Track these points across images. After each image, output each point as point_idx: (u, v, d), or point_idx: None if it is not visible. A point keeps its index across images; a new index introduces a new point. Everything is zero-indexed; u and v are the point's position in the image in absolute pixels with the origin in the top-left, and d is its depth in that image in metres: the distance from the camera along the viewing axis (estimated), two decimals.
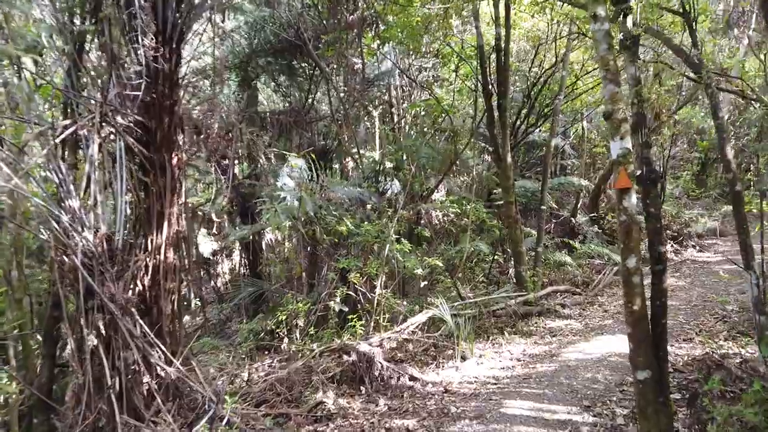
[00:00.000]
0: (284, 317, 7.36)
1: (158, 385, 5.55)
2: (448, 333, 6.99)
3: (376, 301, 6.91)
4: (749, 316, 7.24)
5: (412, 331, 6.98)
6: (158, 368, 5.51)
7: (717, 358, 5.61)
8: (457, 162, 10.81)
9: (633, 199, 3.74)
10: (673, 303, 8.35)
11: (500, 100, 8.17)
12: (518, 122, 11.24)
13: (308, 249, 9.36)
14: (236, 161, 11.51)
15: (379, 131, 10.19)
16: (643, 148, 3.93)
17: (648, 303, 3.89)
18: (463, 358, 6.58)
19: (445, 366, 6.44)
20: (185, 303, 13.85)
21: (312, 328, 7.34)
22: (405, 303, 7.91)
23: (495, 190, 11.46)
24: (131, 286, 5.89)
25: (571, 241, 11.99)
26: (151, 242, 5.91)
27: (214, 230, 13.84)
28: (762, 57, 6.02)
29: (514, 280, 8.92)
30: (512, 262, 9.21)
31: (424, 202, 9.66)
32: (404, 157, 9.06)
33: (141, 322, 5.61)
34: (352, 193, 8.04)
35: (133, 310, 5.58)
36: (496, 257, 10.48)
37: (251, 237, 11.05)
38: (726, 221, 15.41)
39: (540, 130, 13.95)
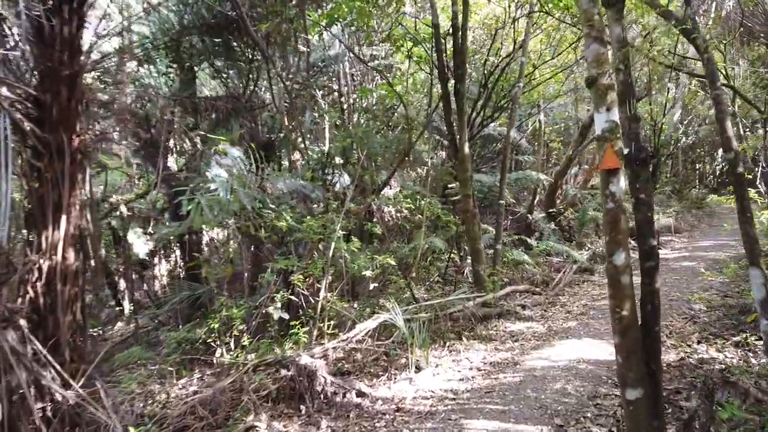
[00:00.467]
0: (217, 325, 6.52)
1: (53, 412, 4.64)
2: (401, 340, 6.29)
3: (320, 306, 6.14)
4: (719, 315, 6.90)
5: (361, 339, 6.24)
6: (53, 392, 4.61)
7: (695, 364, 5.15)
8: (411, 155, 10.16)
9: (622, 183, 3.15)
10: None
11: (457, 84, 7.56)
12: (474, 114, 10.69)
13: (251, 248, 8.50)
14: (170, 152, 10.50)
15: (327, 121, 9.40)
16: (631, 122, 3.32)
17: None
18: (418, 369, 5.89)
19: (398, 378, 5.74)
20: (116, 309, 12.68)
21: (249, 337, 6.53)
22: (355, 307, 7.19)
23: (450, 185, 10.90)
24: (19, 293, 4.94)
25: (527, 239, 11.56)
26: (46, 240, 4.97)
27: (150, 229, 12.65)
28: None
29: (472, 280, 8.34)
30: (469, 261, 8.64)
31: (375, 196, 8.94)
32: (354, 148, 8.32)
33: (31, 336, 4.67)
34: (293, 186, 7.23)
35: (21, 322, 4.64)
36: (452, 255, 9.89)
37: (188, 235, 10.08)
38: (679, 218, 15.44)
39: (496, 124, 13.53)
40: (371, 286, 6.98)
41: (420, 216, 8.89)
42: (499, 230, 8.66)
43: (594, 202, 13.24)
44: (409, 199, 9.75)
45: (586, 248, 12.28)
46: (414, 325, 6.52)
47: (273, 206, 6.30)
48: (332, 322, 6.65)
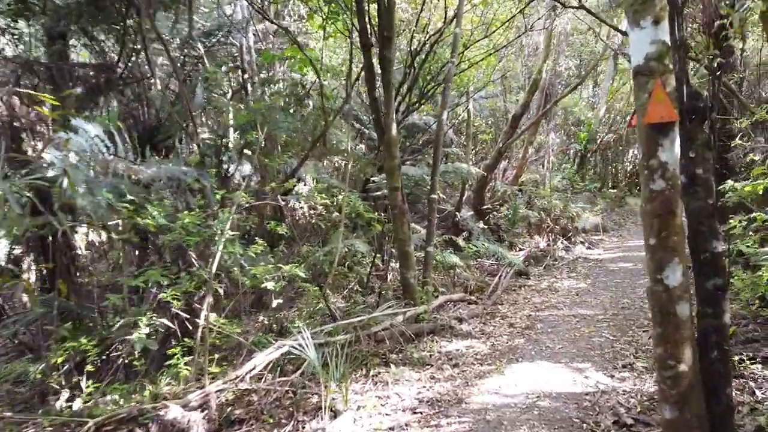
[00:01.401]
0: (61, 359, 4.82)
1: None
2: (312, 371, 4.85)
3: (200, 333, 4.56)
4: None
5: (258, 376, 4.74)
6: None
7: None
8: (327, 141, 8.71)
9: (676, 148, 1.89)
10: (587, 312, 6.99)
11: (383, 51, 6.21)
12: (399, 99, 9.43)
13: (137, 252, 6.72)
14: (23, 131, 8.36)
15: (224, 98, 7.74)
16: (678, 51, 2.07)
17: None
18: (334, 413, 4.47)
19: (308, 427, 4.28)
20: None
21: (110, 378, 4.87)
22: (255, 332, 5.66)
23: (373, 178, 9.56)
24: None
25: (456, 239, 10.44)
26: None
27: None
28: None
29: (400, 289, 7.05)
30: (396, 266, 7.34)
31: (283, 188, 7.41)
32: (258, 129, 6.74)
33: None
34: (172, 173, 5.56)
35: None
36: (376, 259, 8.54)
37: (51, 236, 8.00)
38: (605, 217, 15.08)
39: (423, 114, 12.38)
40: (275, 303, 5.46)
41: (338, 214, 7.46)
42: (432, 229, 7.41)
43: (524, 200, 12.44)
44: (324, 194, 8.34)
45: (518, 249, 11.41)
46: (329, 350, 5.12)
47: (134, 198, 4.61)
48: (221, 354, 5.11)
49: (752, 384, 4.12)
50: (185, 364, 4.54)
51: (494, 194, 12.65)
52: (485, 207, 12.25)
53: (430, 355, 5.84)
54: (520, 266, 9.54)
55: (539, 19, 10.02)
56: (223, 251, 4.86)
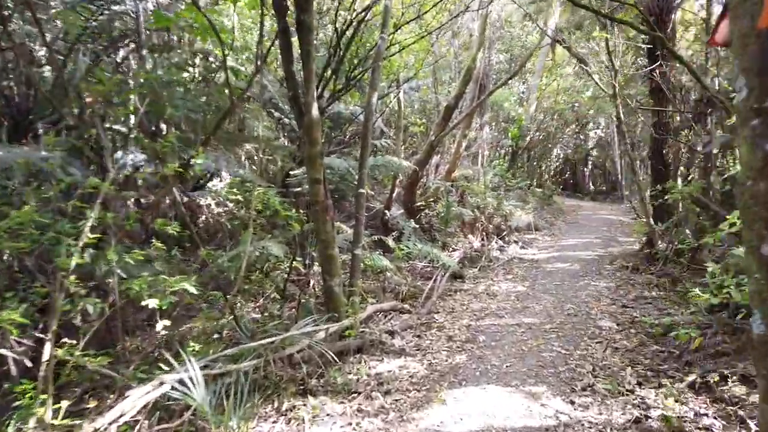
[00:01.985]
0: None
1: None
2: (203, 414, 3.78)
3: (43, 370, 3.36)
4: (641, 339, 5.43)
5: (132, 422, 3.60)
6: None
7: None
8: (235, 124, 7.55)
9: None
10: (532, 320, 6.29)
11: (301, 15, 5.18)
12: (322, 84, 8.41)
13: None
14: None
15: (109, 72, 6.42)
16: None
17: None
18: None
19: None
20: None
21: None
22: (137, 361, 4.48)
23: (294, 172, 8.49)
24: None
25: (387, 240, 9.58)
26: None
27: None
28: None
29: (323, 298, 6.06)
30: (320, 271, 6.34)
31: (181, 181, 6.22)
32: (148, 108, 5.52)
33: None
34: (28, 159, 4.29)
35: None
36: (295, 263, 7.48)
37: None
38: (536, 215, 14.78)
39: (351, 104, 11.46)
40: (160, 324, 4.30)
41: (249, 212, 6.34)
42: (360, 229, 6.45)
43: (457, 197, 11.79)
44: (235, 190, 7.20)
45: (451, 249, 10.72)
46: (232, 380, 4.10)
47: None
48: (90, 392, 3.93)
49: (742, 413, 3.48)
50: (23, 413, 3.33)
51: (426, 191, 11.92)
52: (417, 204, 11.49)
53: (358, 380, 4.90)
54: (455, 269, 8.81)
55: (473, 0, 9.34)
56: (84, 259, 3.67)
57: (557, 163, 29.31)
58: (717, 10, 11.83)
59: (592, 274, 9.00)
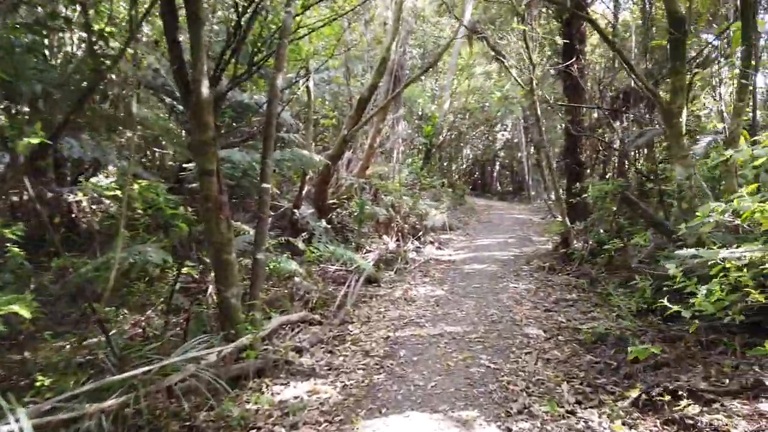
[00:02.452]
0: None
1: None
2: None
3: None
4: (573, 348, 5.05)
5: None
6: None
7: None
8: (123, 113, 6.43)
9: None
10: (455, 329, 5.77)
11: None
12: (221, 65, 7.44)
13: None
14: None
15: None
16: None
17: None
18: None
19: None
20: None
21: None
22: None
23: (189, 165, 7.46)
24: None
25: (295, 241, 8.75)
26: None
27: None
28: None
29: (218, 312, 5.17)
30: (215, 280, 5.42)
31: (43, 173, 5.06)
32: None
33: None
34: None
35: None
36: (188, 270, 6.46)
37: None
38: (450, 214, 14.54)
39: (254, 92, 10.50)
40: None
41: (125, 210, 5.27)
42: (263, 230, 5.58)
43: (371, 195, 11.17)
44: (113, 185, 6.11)
45: (365, 251, 10.08)
46: (89, 425, 3.19)
47: None
48: None
49: None
50: None
51: (339, 189, 11.19)
52: (329, 203, 10.72)
53: (257, 411, 4.09)
54: (370, 272, 8.16)
55: None
56: None
57: (467, 164, 29.72)
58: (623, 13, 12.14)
59: (510, 275, 8.71)
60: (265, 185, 5.62)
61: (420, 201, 11.55)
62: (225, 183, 8.03)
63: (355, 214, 10.20)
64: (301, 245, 8.12)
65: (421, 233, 11.18)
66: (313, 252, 7.59)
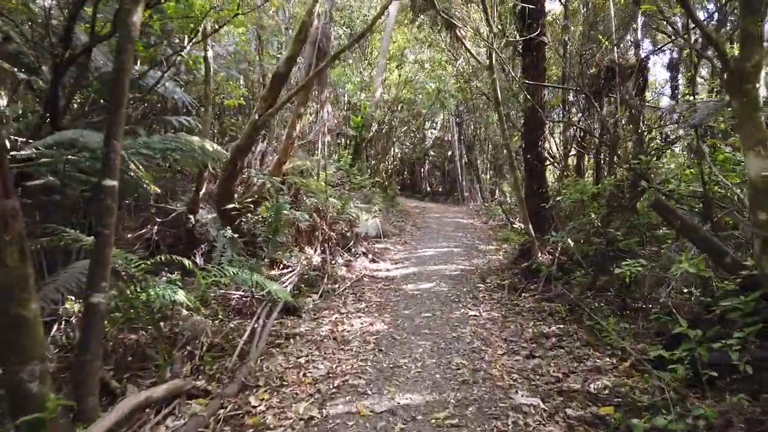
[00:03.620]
0: None
1: None
2: None
3: None
4: (569, 412, 3.32)
5: None
6: None
7: None
8: None
9: None
10: (413, 400, 3.90)
11: None
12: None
13: None
14: None
15: None
16: None
17: None
18: None
19: None
20: None
21: None
22: None
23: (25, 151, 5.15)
24: None
25: (183, 260, 6.55)
26: None
27: None
28: None
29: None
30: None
31: None
32: None
33: None
34: None
35: None
36: None
37: None
38: (385, 218, 12.75)
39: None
40: None
41: None
42: (103, 256, 3.44)
43: (290, 196, 9.12)
44: None
45: (282, 266, 8.06)
46: None
47: None
48: None
49: None
50: None
51: (249, 188, 9.06)
52: (236, 206, 8.57)
53: None
54: (287, 298, 6.13)
55: None
56: None
57: (396, 162, 28.13)
58: None
59: (466, 297, 7.01)
60: (108, 182, 3.47)
61: (350, 204, 9.63)
62: (77, 178, 5.73)
63: (270, 220, 8.12)
64: (191, 264, 5.96)
65: (351, 243, 9.25)
66: (206, 278, 5.45)
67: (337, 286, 7.60)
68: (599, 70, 6.95)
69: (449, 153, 26.04)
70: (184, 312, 5.72)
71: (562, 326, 5.66)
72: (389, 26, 15.05)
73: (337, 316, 6.26)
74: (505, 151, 7.19)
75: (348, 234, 9.36)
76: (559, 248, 7.09)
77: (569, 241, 6.82)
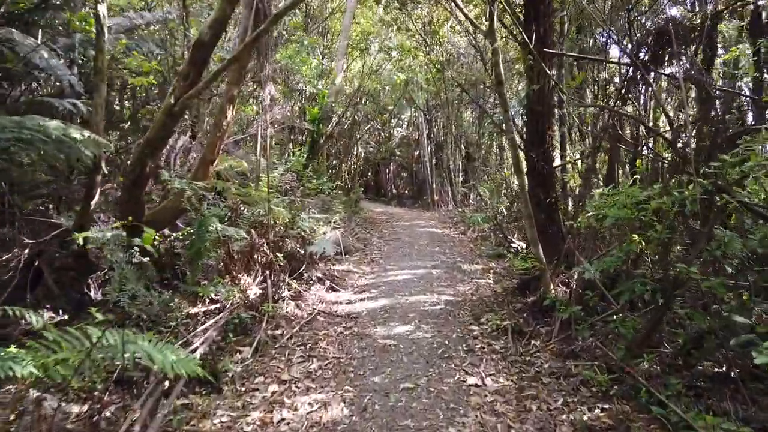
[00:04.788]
0: None
1: None
2: None
3: None
4: None
5: None
6: None
7: None
8: None
9: None
10: None
11: None
12: None
13: None
14: None
15: None
16: None
17: None
18: None
19: None
20: None
21: None
22: None
23: None
24: None
25: (31, 312, 4.43)
26: None
27: None
28: None
29: None
30: None
31: None
32: None
33: None
34: None
35: None
36: None
37: None
38: (347, 230, 10.78)
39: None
40: None
41: None
42: None
43: (221, 207, 7.05)
44: None
45: (206, 302, 6.04)
46: None
47: None
48: None
49: None
50: None
51: (166, 195, 6.94)
52: (147, 220, 6.45)
53: None
54: (195, 369, 4.08)
55: None
56: None
57: (359, 162, 26.16)
58: None
59: (458, 349, 5.11)
60: None
61: (303, 214, 7.61)
62: None
63: (191, 239, 6.06)
64: (33, 318, 3.83)
65: (303, 266, 7.23)
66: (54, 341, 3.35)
67: (280, 331, 5.58)
68: (650, 33, 5.10)
69: (417, 153, 24.21)
70: (32, 394, 3.73)
71: (607, 407, 3.83)
72: (351, 1, 13.08)
73: (275, 389, 4.27)
74: (507, 145, 5.32)
75: (299, 254, 7.34)
76: (583, 279, 5.28)
77: (594, 273, 5.00)
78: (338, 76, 13.26)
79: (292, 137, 13.42)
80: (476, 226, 12.39)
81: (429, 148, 21.63)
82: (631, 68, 5.05)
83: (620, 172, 6.62)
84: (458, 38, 15.84)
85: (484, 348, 5.19)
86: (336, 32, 15.50)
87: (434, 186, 20.79)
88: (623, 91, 5.42)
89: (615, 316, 4.80)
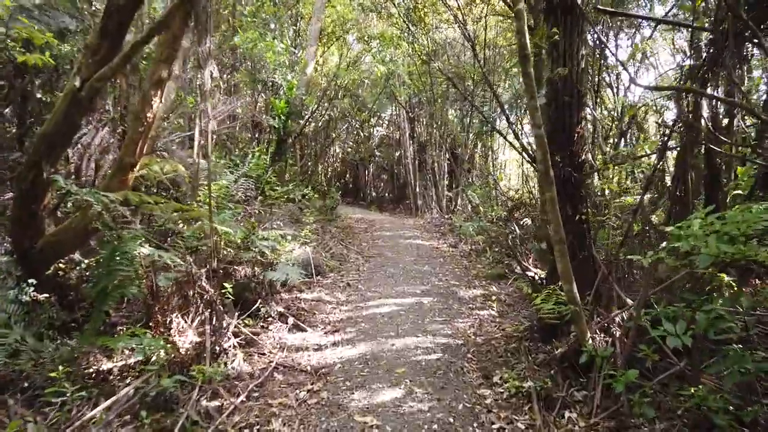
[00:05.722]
0: None
1: None
2: None
3: None
4: None
5: None
6: None
7: None
8: None
9: None
10: None
11: None
12: None
13: None
14: None
15: None
16: None
17: None
18: None
19: None
20: None
21: None
22: None
23: None
24: None
25: None
26: None
27: None
28: None
29: None
30: None
31: None
32: None
33: None
34: None
35: None
36: None
37: None
38: (319, 243, 9.27)
39: None
40: None
41: None
42: None
43: (143, 226, 5.49)
44: None
45: (117, 359, 4.52)
46: None
47: None
48: None
49: None
50: None
51: (78, 211, 5.38)
52: (47, 242, 4.90)
53: None
54: None
55: None
56: None
57: (337, 164, 24.62)
58: None
59: (467, 430, 3.64)
60: None
61: (260, 233, 6.05)
62: None
63: (98, 270, 4.49)
64: None
65: (260, 300, 5.68)
66: None
67: (219, 402, 4.04)
68: None
69: (398, 153, 22.73)
70: None
71: None
72: None
73: None
74: (535, 145, 3.88)
75: (255, 284, 5.78)
76: (635, 326, 3.87)
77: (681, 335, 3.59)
78: (309, 64, 11.68)
79: (257, 136, 11.82)
80: (467, 237, 10.98)
81: (412, 149, 20.18)
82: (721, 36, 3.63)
83: (705, 183, 5.06)
84: (446, 26, 14.42)
85: (504, 429, 3.73)
86: (307, 18, 13.95)
87: (417, 190, 19.34)
88: (704, 69, 4.01)
89: (685, 383, 3.38)
